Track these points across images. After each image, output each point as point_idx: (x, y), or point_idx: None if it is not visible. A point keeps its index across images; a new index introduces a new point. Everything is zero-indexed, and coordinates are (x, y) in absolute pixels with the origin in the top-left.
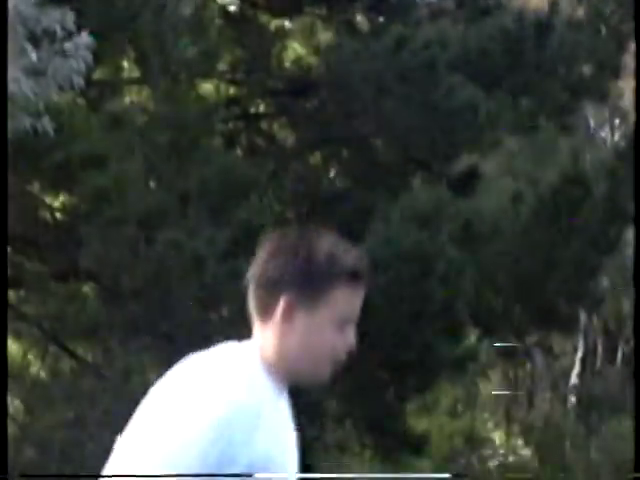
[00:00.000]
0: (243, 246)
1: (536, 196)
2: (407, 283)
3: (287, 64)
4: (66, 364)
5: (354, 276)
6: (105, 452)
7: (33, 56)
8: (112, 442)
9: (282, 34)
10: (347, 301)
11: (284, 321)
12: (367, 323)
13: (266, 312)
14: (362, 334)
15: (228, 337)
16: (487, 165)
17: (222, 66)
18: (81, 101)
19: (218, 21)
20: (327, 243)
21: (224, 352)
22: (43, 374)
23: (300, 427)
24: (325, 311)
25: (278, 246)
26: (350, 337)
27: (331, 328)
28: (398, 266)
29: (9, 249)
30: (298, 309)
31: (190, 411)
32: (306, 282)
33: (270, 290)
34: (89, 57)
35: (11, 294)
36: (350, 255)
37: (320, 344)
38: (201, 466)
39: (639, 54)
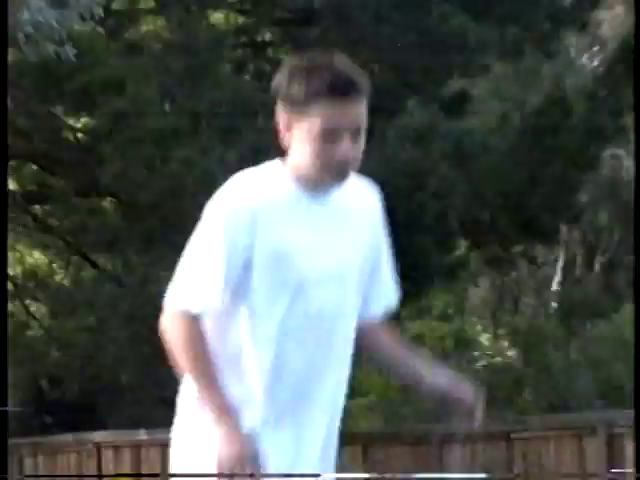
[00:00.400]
0: (251, 164)
1: (521, 118)
2: (402, 197)
3: None
4: (88, 273)
5: (331, 90)
6: (123, 354)
7: None
8: (130, 345)
9: None
10: (330, 114)
11: (285, 133)
12: None
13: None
14: None
15: None
16: (476, 88)
17: None
18: (100, 30)
19: None
20: (321, 62)
21: (265, 167)
22: (66, 282)
23: None
24: (309, 123)
25: (290, 66)
26: (342, 147)
27: (319, 139)
28: (394, 182)
29: (35, 167)
30: (292, 122)
31: (217, 204)
32: (288, 97)
33: (277, 106)
34: None
35: (37, 208)
36: (331, 71)
37: (312, 153)
38: (232, 251)
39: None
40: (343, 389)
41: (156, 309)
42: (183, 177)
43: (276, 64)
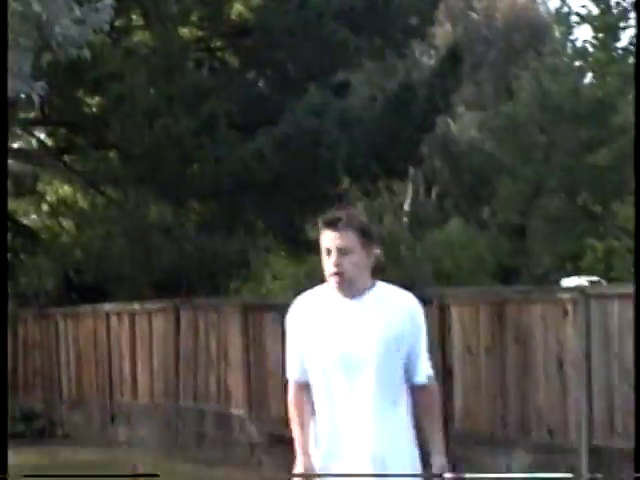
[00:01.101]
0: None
1: (384, 98)
2: (306, 150)
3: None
4: (100, 200)
5: (324, 225)
6: (123, 254)
7: (77, 11)
8: (128, 247)
9: None
10: (324, 240)
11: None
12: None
13: None
14: None
15: None
16: (355, 79)
17: None
18: (107, 39)
19: None
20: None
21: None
22: (85, 206)
23: None
24: (321, 246)
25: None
26: (329, 263)
27: (324, 257)
28: (301, 140)
29: (64, 130)
30: None
31: None
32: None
33: None
34: (111, 12)
35: (66, 157)
36: (327, 215)
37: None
38: (292, 344)
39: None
40: (380, 411)
41: (147, 225)
42: (163, 137)
43: (223, 63)
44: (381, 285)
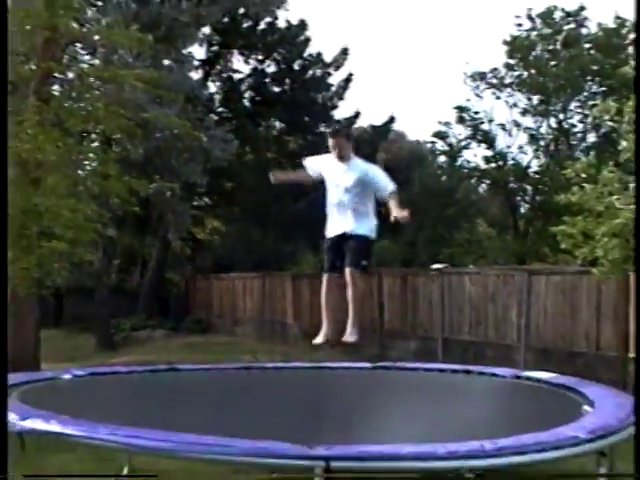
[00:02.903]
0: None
1: None
2: None
3: None
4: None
5: (330, 135)
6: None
7: None
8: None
9: None
10: (330, 141)
11: None
12: None
13: None
14: None
15: None
16: None
17: None
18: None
19: None
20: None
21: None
22: None
23: None
24: (329, 143)
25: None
26: (334, 151)
27: (331, 147)
28: None
29: None
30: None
31: None
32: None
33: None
34: None
35: None
36: (331, 130)
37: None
38: (315, 160)
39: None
40: (355, 208)
41: (248, 239)
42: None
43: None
44: (355, 158)
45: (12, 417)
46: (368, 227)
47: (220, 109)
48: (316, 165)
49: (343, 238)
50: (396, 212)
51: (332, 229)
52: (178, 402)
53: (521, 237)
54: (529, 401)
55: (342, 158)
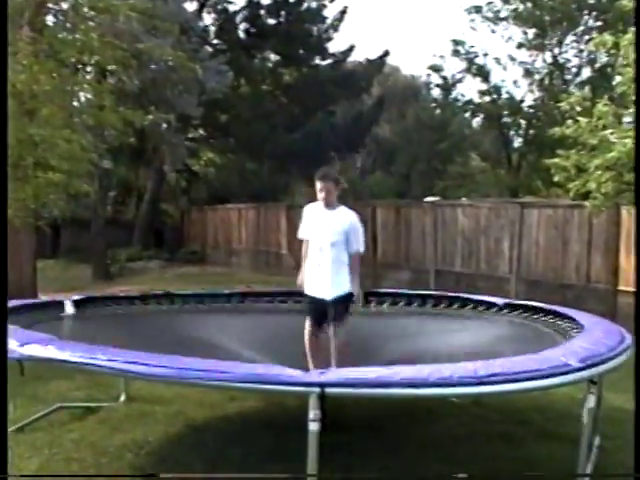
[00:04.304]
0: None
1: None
2: None
3: None
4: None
5: (318, 178)
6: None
7: None
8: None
9: None
10: (318, 184)
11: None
12: None
13: None
14: None
15: None
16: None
17: None
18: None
19: None
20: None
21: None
22: None
23: None
24: (316, 186)
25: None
26: (320, 195)
27: (318, 191)
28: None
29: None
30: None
31: None
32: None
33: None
34: None
35: None
36: (319, 173)
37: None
38: (304, 222)
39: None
40: (333, 265)
41: (244, 171)
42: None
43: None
44: (341, 206)
45: (12, 343)
46: (346, 285)
47: (215, 41)
48: (308, 226)
49: (324, 301)
50: (355, 289)
51: (312, 289)
52: (174, 328)
53: (514, 171)
54: (521, 327)
55: (328, 204)
